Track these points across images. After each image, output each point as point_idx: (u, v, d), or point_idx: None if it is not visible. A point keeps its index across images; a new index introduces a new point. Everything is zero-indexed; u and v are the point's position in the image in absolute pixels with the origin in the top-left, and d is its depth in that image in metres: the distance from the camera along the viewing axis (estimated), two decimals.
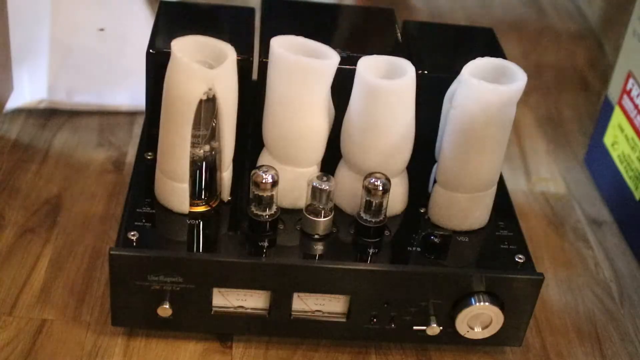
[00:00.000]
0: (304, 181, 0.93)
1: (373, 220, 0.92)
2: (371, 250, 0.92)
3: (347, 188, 0.95)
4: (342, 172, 0.96)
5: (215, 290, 0.90)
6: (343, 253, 0.92)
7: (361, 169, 0.94)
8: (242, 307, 0.91)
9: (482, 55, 0.93)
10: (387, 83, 0.89)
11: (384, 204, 0.92)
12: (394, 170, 0.94)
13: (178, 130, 0.88)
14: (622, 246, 1.17)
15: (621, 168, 1.19)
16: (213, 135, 0.91)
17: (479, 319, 0.92)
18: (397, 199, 0.96)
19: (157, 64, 0.97)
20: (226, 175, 0.94)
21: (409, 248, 0.93)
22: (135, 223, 0.91)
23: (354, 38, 1.08)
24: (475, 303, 0.90)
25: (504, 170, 0.98)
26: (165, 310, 0.89)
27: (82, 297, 0.98)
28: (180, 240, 0.91)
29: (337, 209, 0.95)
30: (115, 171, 1.17)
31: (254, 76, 1.00)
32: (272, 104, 0.92)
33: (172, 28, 1.03)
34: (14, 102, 1.24)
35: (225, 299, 0.90)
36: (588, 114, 1.42)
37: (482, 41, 1.09)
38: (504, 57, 0.95)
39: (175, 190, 0.92)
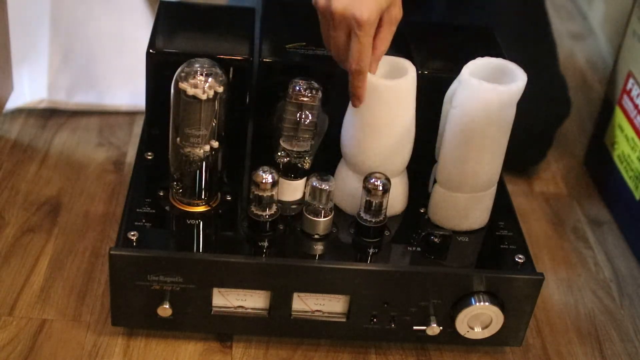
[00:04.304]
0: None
1: (373, 220, 0.92)
2: (371, 250, 0.92)
3: (347, 188, 0.95)
4: (342, 172, 0.96)
5: (215, 290, 0.90)
6: (343, 253, 0.92)
7: (361, 169, 0.94)
8: (242, 307, 0.91)
9: (482, 55, 0.93)
10: (388, 83, 0.89)
11: (384, 204, 0.92)
12: (393, 170, 0.94)
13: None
14: (622, 246, 1.17)
15: (621, 168, 1.19)
16: (213, 135, 0.91)
17: (479, 319, 0.92)
18: (397, 199, 0.96)
19: (157, 64, 0.97)
20: None
21: (409, 248, 0.93)
22: (135, 223, 0.91)
23: None
24: (475, 303, 0.90)
25: (504, 170, 0.98)
26: (165, 310, 0.89)
27: (82, 297, 0.98)
28: (180, 240, 0.91)
29: (337, 209, 0.94)
30: (115, 171, 1.17)
31: (254, 76, 1.00)
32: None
33: (172, 28, 1.03)
34: (14, 102, 1.24)
35: (225, 299, 0.90)
36: (588, 114, 1.42)
37: (482, 41, 1.09)
38: (503, 57, 0.95)
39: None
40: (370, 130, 0.92)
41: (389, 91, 0.89)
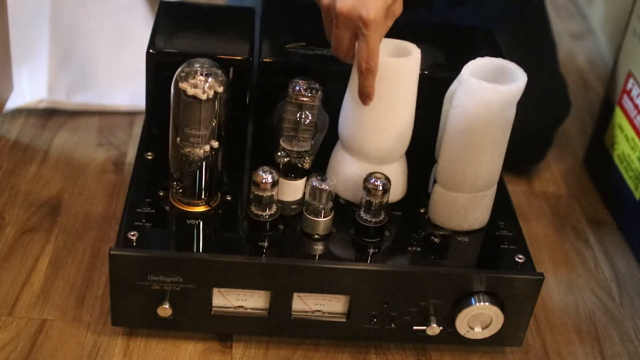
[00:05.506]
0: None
1: (373, 220, 0.92)
2: (371, 250, 0.92)
3: (343, 172, 0.95)
4: (338, 155, 0.95)
5: (215, 290, 0.90)
6: (343, 253, 0.92)
7: (359, 152, 0.93)
8: (242, 307, 0.91)
9: (482, 55, 0.93)
10: (393, 60, 0.89)
11: (384, 203, 0.92)
12: (393, 154, 0.93)
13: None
14: (622, 246, 1.17)
15: (621, 168, 1.19)
16: (213, 135, 0.91)
17: (479, 319, 0.92)
18: (396, 185, 0.96)
19: (157, 64, 0.97)
20: None
21: (409, 248, 0.93)
22: (135, 223, 0.91)
23: None
24: (475, 303, 0.90)
25: (504, 170, 0.98)
26: (165, 310, 0.89)
27: (82, 297, 0.98)
28: (180, 240, 0.91)
29: (336, 208, 0.94)
30: (115, 171, 1.17)
31: (254, 76, 1.00)
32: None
33: (172, 28, 1.03)
34: (14, 102, 1.24)
35: (225, 299, 0.90)
36: (588, 114, 1.42)
37: (482, 41, 1.09)
38: (503, 57, 0.95)
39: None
40: (371, 111, 0.91)
41: (393, 69, 0.89)
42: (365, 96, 0.90)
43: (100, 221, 1.08)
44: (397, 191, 0.97)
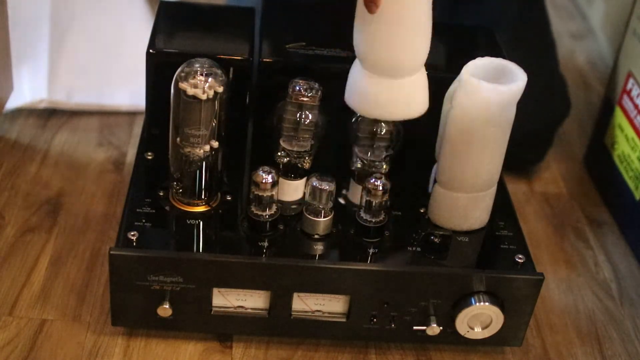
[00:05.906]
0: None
1: (373, 220, 0.92)
2: (371, 250, 0.92)
3: (357, 85, 0.93)
4: (356, 71, 0.93)
5: (215, 290, 0.90)
6: (343, 253, 0.92)
7: (373, 65, 0.90)
8: (242, 307, 0.91)
9: (482, 55, 0.93)
10: None
11: (384, 203, 0.92)
12: (408, 66, 0.91)
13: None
14: (622, 246, 1.17)
15: (621, 168, 1.19)
16: (213, 135, 0.91)
17: (479, 319, 0.92)
18: (416, 97, 0.93)
19: (157, 64, 0.97)
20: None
21: (409, 248, 0.93)
22: (135, 223, 0.91)
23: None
24: (475, 303, 0.90)
25: (504, 170, 0.98)
26: (165, 310, 0.89)
27: (82, 297, 0.98)
28: (180, 240, 0.91)
29: (336, 209, 0.94)
30: (115, 171, 1.17)
31: (254, 76, 1.00)
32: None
33: (172, 28, 1.03)
34: (14, 102, 1.24)
35: (225, 299, 0.90)
36: (588, 114, 1.42)
37: (482, 41, 1.09)
38: (503, 57, 0.95)
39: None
40: (380, 21, 0.88)
41: None
42: (370, 1, 0.86)
43: (100, 221, 1.08)
44: (417, 105, 0.94)
